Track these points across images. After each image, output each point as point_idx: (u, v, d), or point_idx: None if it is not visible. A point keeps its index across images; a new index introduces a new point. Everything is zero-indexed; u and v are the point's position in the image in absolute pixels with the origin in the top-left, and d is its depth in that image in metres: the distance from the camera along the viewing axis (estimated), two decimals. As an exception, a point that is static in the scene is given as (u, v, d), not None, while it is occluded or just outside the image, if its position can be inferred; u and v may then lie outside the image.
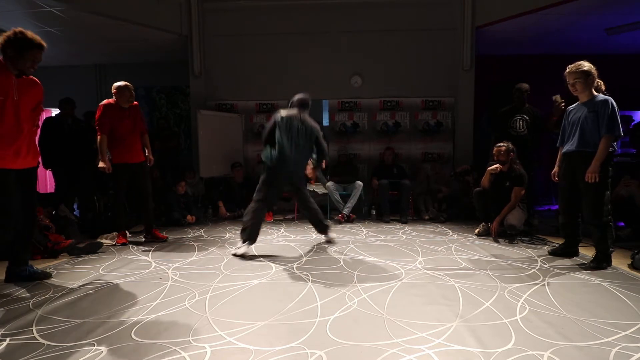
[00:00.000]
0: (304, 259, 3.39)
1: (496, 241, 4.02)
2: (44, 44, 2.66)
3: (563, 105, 3.84)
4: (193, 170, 5.80)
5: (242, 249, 3.52)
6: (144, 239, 4.15)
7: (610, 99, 3.02)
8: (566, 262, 3.27)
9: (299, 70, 6.22)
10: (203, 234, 4.51)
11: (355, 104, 6.36)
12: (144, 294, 2.54)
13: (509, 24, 5.60)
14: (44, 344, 1.87)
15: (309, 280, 2.80)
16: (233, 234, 4.51)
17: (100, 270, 3.09)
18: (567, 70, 3.13)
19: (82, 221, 4.76)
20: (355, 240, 4.12)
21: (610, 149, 3.00)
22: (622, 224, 4.28)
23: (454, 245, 3.85)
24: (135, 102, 4.00)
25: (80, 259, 3.44)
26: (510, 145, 4.09)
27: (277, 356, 1.74)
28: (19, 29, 2.58)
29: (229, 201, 5.67)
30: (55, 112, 5.64)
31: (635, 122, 6.59)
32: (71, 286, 2.70)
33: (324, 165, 4.13)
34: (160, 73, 7.38)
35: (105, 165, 3.74)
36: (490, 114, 5.88)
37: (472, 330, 1.98)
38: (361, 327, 2.03)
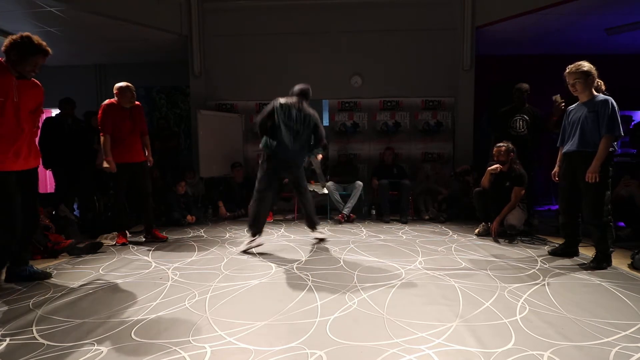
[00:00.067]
0: (304, 259, 3.39)
1: (496, 241, 4.02)
2: (50, 50, 2.66)
3: (563, 105, 3.84)
4: (193, 170, 5.80)
5: (254, 242, 3.65)
6: (144, 239, 4.15)
7: (611, 98, 3.02)
8: (566, 262, 3.27)
9: (299, 70, 6.22)
10: (203, 234, 4.51)
11: (355, 104, 6.36)
12: (144, 294, 2.54)
13: (509, 24, 5.60)
14: (44, 344, 1.87)
15: (309, 280, 2.80)
16: (233, 233, 4.51)
17: (100, 270, 3.09)
18: (567, 70, 3.13)
19: (82, 221, 4.76)
20: (355, 240, 4.12)
21: (611, 149, 3.00)
22: (622, 224, 4.28)
23: (454, 245, 3.85)
24: (138, 103, 4.01)
25: (80, 259, 3.44)
26: (510, 145, 4.09)
27: (277, 356, 1.74)
28: (26, 33, 2.59)
29: (229, 201, 5.67)
30: (55, 112, 5.65)
31: (635, 122, 6.59)
32: (71, 286, 2.70)
33: (321, 156, 4.21)
34: (160, 73, 7.38)
35: (110, 165, 3.76)
36: (490, 114, 5.88)
37: (472, 330, 1.98)
38: (361, 327, 2.03)
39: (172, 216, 5.07)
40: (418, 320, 2.11)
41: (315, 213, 4.08)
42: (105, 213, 5.03)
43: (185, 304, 2.36)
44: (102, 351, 1.79)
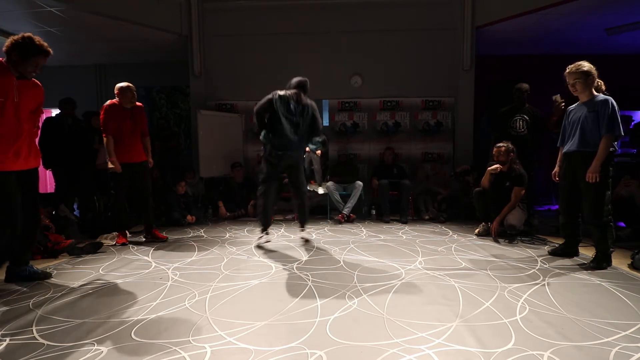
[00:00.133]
0: (304, 259, 3.39)
1: (496, 241, 4.02)
2: (51, 51, 2.67)
3: (563, 105, 3.84)
4: (193, 170, 5.80)
5: (263, 239, 3.84)
6: (144, 239, 4.15)
7: (611, 98, 3.02)
8: (566, 262, 3.27)
9: (299, 70, 6.15)
10: (203, 234, 4.51)
11: (355, 104, 6.36)
12: (144, 294, 2.54)
13: (509, 24, 5.60)
14: (44, 344, 1.87)
15: (309, 280, 2.80)
16: (233, 234, 4.51)
17: (100, 270, 3.09)
18: (567, 70, 3.13)
19: (82, 221, 4.76)
20: (355, 240, 4.12)
21: (611, 149, 3.00)
22: (622, 224, 4.28)
23: (454, 245, 3.85)
24: (139, 104, 4.00)
25: (80, 259, 3.44)
26: (510, 145, 4.09)
27: (277, 356, 1.74)
28: (28, 34, 2.59)
29: (229, 201, 5.67)
30: (55, 112, 5.65)
31: (635, 122, 6.59)
32: (71, 286, 2.70)
33: (319, 152, 4.26)
34: (160, 73, 7.38)
35: (115, 165, 3.77)
36: (490, 114, 5.88)
37: (472, 330, 1.98)
38: (361, 327, 2.03)
39: (172, 216, 5.07)
40: (418, 320, 2.11)
41: (308, 214, 4.16)
42: (105, 213, 5.03)
43: (185, 304, 2.36)
44: (102, 351, 1.79)
